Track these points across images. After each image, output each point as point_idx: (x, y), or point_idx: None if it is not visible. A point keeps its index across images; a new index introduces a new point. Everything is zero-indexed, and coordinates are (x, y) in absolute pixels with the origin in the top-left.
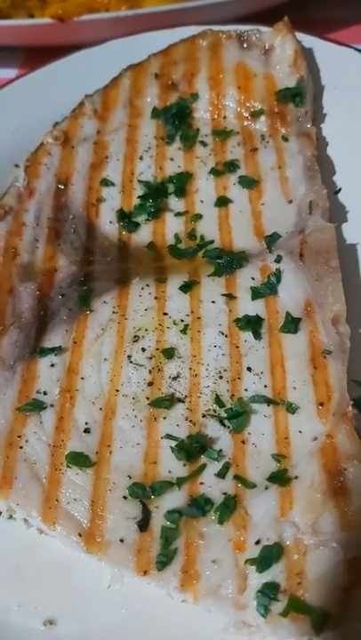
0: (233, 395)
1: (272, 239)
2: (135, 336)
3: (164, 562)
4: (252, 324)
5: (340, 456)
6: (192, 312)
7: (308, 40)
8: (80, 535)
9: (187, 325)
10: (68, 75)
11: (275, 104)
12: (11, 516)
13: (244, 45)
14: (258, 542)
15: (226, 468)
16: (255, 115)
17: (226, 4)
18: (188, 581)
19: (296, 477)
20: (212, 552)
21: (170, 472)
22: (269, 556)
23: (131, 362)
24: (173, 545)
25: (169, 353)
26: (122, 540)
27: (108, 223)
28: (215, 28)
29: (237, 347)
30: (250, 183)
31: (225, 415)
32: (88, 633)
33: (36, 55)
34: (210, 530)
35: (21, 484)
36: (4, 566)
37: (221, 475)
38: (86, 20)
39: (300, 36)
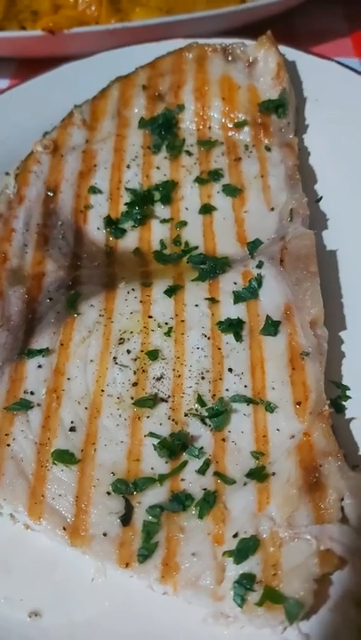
0: (214, 395)
1: (254, 245)
2: (121, 338)
3: (145, 555)
4: (234, 326)
5: (316, 453)
6: (176, 315)
7: (291, 53)
8: (65, 529)
9: (171, 328)
10: (57, 86)
11: (258, 115)
12: None
13: (229, 58)
14: (236, 535)
15: (206, 464)
16: (239, 125)
17: (212, 17)
18: (168, 573)
19: (274, 474)
20: (192, 545)
21: (152, 469)
22: (246, 548)
23: (116, 363)
24: (155, 539)
25: (153, 355)
26: (105, 534)
27: (95, 229)
28: (201, 41)
29: (219, 348)
30: (233, 191)
31: (206, 414)
32: (72, 624)
33: (27, 66)
34: (190, 524)
35: (8, 481)
36: None
37: (202, 471)
38: (76, 32)
39: (283, 49)
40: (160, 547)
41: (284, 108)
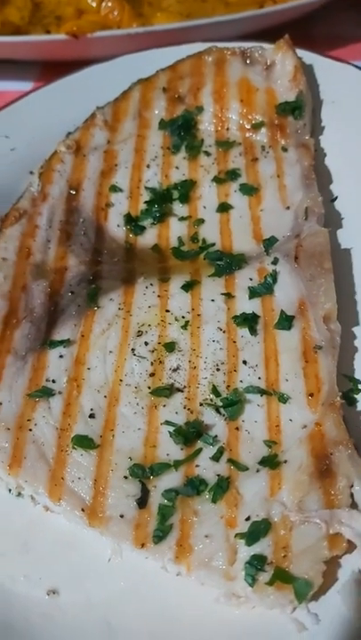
0: (229, 385)
1: (270, 243)
2: (139, 331)
3: (160, 536)
4: (249, 320)
5: (327, 442)
6: (193, 309)
7: (308, 56)
8: (83, 510)
9: (187, 322)
10: (80, 88)
11: (275, 117)
12: (19, 494)
13: (247, 61)
14: (248, 519)
15: (220, 452)
16: (256, 127)
17: (230, 22)
18: (182, 554)
19: (285, 461)
20: (205, 528)
21: (168, 455)
22: (258, 530)
23: (134, 354)
24: (169, 521)
25: (170, 347)
26: (122, 516)
27: (115, 226)
28: (220, 44)
29: (234, 342)
30: (250, 190)
31: (221, 404)
32: (89, 602)
33: (51, 69)
34: (204, 508)
35: (30, 464)
36: (11, 540)
37: (216, 458)
38: (99, 36)
39: (300, 52)
40: (174, 529)
41: (301, 110)
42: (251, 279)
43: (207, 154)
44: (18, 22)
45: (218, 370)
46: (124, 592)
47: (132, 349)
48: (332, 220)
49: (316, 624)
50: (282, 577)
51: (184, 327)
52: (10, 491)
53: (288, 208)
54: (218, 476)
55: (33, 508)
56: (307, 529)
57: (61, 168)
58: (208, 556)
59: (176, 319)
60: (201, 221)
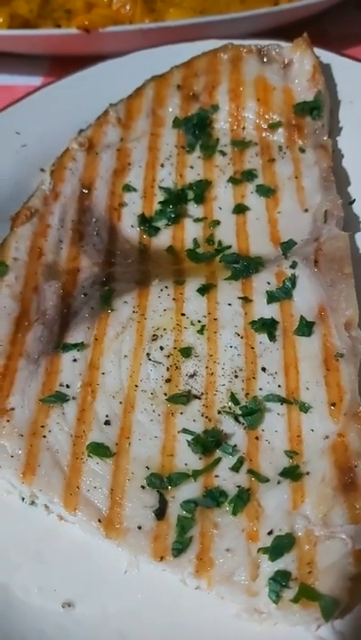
0: (248, 393)
1: (288, 246)
2: (154, 335)
3: (179, 549)
4: (267, 326)
5: (351, 454)
6: (209, 313)
7: (325, 56)
8: (100, 521)
9: (204, 326)
10: (93, 84)
11: (292, 117)
12: (33, 502)
13: (264, 60)
14: (270, 533)
15: (240, 462)
16: (273, 126)
17: (245, 19)
18: (202, 568)
19: (308, 473)
20: (226, 541)
21: (186, 464)
22: (281, 545)
23: (149, 359)
24: (189, 533)
25: (186, 352)
26: (140, 527)
27: (129, 227)
28: (236, 42)
29: (252, 348)
30: (267, 192)
31: (240, 412)
32: (105, 615)
33: (60, 64)
34: (224, 520)
35: (44, 472)
36: (25, 550)
37: (236, 469)
38: (111, 31)
39: (318, 51)
40: (194, 541)
41: (319, 110)
42: (269, 283)
43: (223, 153)
44: (27, 15)
45: (236, 377)
46: (141, 605)
47: (148, 354)
48: (350, 224)
49: None
50: (307, 594)
51: (200, 332)
52: (23, 499)
53: (306, 211)
54: (238, 487)
55: (46, 518)
56: (332, 544)
57: (73, 166)
58: (230, 571)
59: (192, 323)
60: (217, 223)
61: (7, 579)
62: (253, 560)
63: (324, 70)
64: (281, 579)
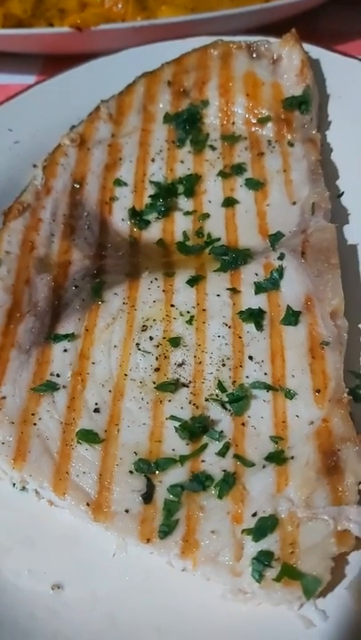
0: (235, 381)
1: (276, 238)
2: (144, 325)
3: (165, 531)
4: (255, 316)
5: (334, 438)
6: (198, 304)
7: (315, 51)
8: (88, 505)
9: (192, 317)
10: (85, 81)
11: (281, 111)
12: (23, 488)
13: (254, 55)
14: (255, 515)
15: (226, 447)
16: (262, 121)
17: (236, 15)
18: (188, 549)
19: (292, 457)
20: (212, 523)
21: (173, 450)
22: (265, 526)
23: (139, 349)
24: (175, 516)
25: (175, 342)
26: (127, 511)
27: (120, 220)
28: (226, 38)
29: (240, 337)
30: (256, 185)
31: (227, 399)
32: (94, 598)
33: (53, 63)
34: (210, 503)
35: (34, 458)
36: (15, 535)
37: (222, 453)
38: (103, 29)
39: (307, 47)
40: (180, 524)
41: (308, 105)
42: (257, 274)
43: (212, 148)
44: (20, 15)
45: (223, 365)
46: (129, 587)
47: (137, 344)
48: (338, 216)
49: (324, 621)
50: (290, 573)
51: (189, 322)
52: (14, 485)
53: (294, 203)
54: (224, 471)
55: (37, 503)
56: (314, 525)
57: (65, 162)
58: (214, 552)
59: (181, 314)
60: (206, 216)
61: None
62: (238, 541)
63: (314, 65)
64: (264, 559)
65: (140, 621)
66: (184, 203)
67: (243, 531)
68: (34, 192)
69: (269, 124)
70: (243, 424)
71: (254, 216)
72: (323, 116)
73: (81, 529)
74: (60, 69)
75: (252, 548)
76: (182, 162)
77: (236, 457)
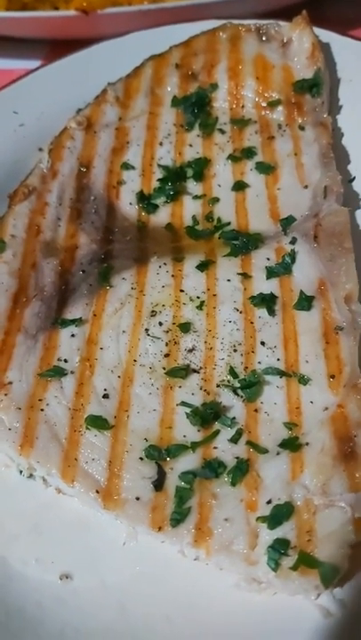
0: (247, 367)
1: (287, 222)
2: (153, 311)
3: (178, 519)
4: (267, 301)
5: (350, 424)
6: (208, 289)
7: (324, 34)
8: (98, 492)
9: (203, 302)
10: (91, 64)
11: (292, 94)
12: (31, 475)
13: (263, 38)
14: (269, 502)
15: (239, 434)
16: (273, 104)
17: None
18: (201, 538)
19: (307, 444)
20: (225, 511)
21: (185, 436)
22: (280, 514)
23: (148, 334)
24: (187, 504)
25: (185, 327)
26: (138, 498)
27: (127, 204)
28: (235, 21)
29: (252, 322)
30: (266, 169)
31: (239, 385)
32: (103, 587)
33: (58, 48)
34: (223, 491)
35: (42, 444)
36: (22, 523)
37: (234, 440)
38: (110, 12)
39: (317, 30)
40: (193, 512)
41: (319, 88)
42: (268, 259)
43: (222, 132)
44: None
45: (235, 351)
46: (140, 576)
47: (146, 329)
48: (349, 201)
49: (341, 610)
50: (307, 561)
51: (199, 307)
52: (21, 472)
53: (306, 187)
54: (237, 458)
55: (44, 491)
56: (331, 513)
57: (72, 145)
58: (228, 540)
59: (191, 299)
60: (216, 200)
61: (5, 551)
62: (252, 529)
63: (324, 49)
64: (280, 547)
65: (150, 611)
66: (193, 187)
67: (257, 518)
68: (40, 175)
69: (280, 108)
70: (255, 410)
71: (265, 200)
72: (333, 100)
73: (90, 518)
74: (64, 55)
75: (267, 536)
76: (191, 145)
77: (249, 444)
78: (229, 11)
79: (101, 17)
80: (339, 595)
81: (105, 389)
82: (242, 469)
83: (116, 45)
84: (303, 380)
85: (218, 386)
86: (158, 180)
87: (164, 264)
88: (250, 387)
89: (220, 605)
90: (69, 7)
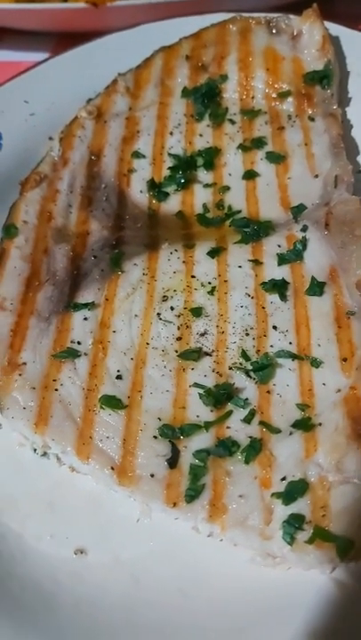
0: (259, 350)
1: (298, 210)
2: (164, 296)
3: (192, 495)
4: (278, 287)
5: None
6: (219, 275)
7: (334, 28)
8: (113, 469)
9: (214, 287)
10: (101, 55)
11: (302, 86)
12: (45, 453)
13: (273, 31)
14: (283, 479)
15: (252, 414)
16: (283, 95)
17: None
18: (215, 513)
19: (320, 424)
20: (239, 488)
21: (198, 416)
22: (295, 490)
23: (160, 319)
24: (202, 481)
25: (197, 312)
26: (152, 475)
27: (138, 192)
28: (245, 14)
29: (263, 307)
30: (277, 158)
31: (251, 368)
32: (117, 561)
33: (66, 41)
34: (236, 468)
35: (57, 422)
36: (36, 501)
37: (247, 420)
38: (120, 5)
39: (327, 24)
40: (207, 489)
41: (329, 79)
42: (279, 246)
43: (232, 122)
44: None
45: (247, 335)
46: (153, 551)
47: (158, 314)
48: (358, 191)
49: (356, 583)
50: (322, 535)
51: (210, 293)
52: (35, 451)
53: (317, 176)
54: (250, 437)
55: (58, 470)
56: (346, 489)
57: (82, 134)
58: (243, 516)
59: (202, 285)
60: (226, 188)
61: (21, 528)
62: (267, 505)
63: (333, 42)
64: (295, 521)
65: (163, 585)
66: (203, 175)
67: (272, 495)
68: (51, 163)
69: (290, 99)
70: (268, 392)
71: (276, 189)
72: (342, 92)
73: (103, 495)
74: (71, 47)
75: (282, 511)
76: (201, 135)
77: (262, 424)
78: (238, 5)
79: (111, 9)
80: (353, 568)
81: (118, 371)
82: (255, 448)
83: (126, 37)
84: (315, 363)
85: (230, 368)
86: (169, 168)
87: (175, 250)
88: (262, 369)
89: (233, 580)
90: (78, 0)
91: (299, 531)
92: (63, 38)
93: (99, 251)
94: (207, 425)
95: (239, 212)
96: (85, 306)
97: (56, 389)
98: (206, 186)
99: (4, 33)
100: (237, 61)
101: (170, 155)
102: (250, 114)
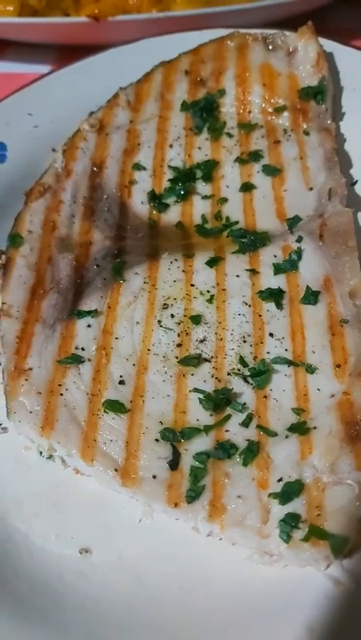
0: (256, 357)
1: (293, 221)
2: (165, 304)
3: (193, 496)
4: (275, 295)
5: (356, 409)
6: (218, 284)
7: (329, 45)
8: (116, 471)
9: (213, 296)
10: (103, 69)
11: (297, 101)
12: (50, 456)
13: (270, 47)
14: (280, 480)
15: (249, 418)
16: (279, 110)
17: (251, 10)
18: (215, 513)
19: (315, 428)
20: (238, 489)
21: (198, 420)
22: (291, 490)
23: (161, 326)
24: (202, 482)
25: (196, 319)
26: (154, 477)
27: (139, 203)
28: (242, 30)
29: (260, 315)
30: (273, 171)
31: (248, 373)
32: (121, 561)
33: (68, 54)
34: (235, 470)
35: (62, 426)
36: (42, 501)
37: (245, 424)
38: (121, 20)
39: (321, 41)
40: (207, 489)
41: (323, 95)
42: (275, 256)
43: (229, 135)
44: (36, 6)
45: (245, 342)
46: (155, 551)
47: (159, 321)
48: (351, 203)
49: (350, 580)
50: (317, 533)
51: (209, 301)
52: (41, 453)
53: (311, 189)
54: (248, 440)
55: (63, 472)
56: (340, 490)
57: (85, 146)
58: (241, 515)
59: (201, 293)
60: (224, 200)
61: (27, 528)
62: (264, 505)
63: (328, 58)
64: (291, 520)
65: (165, 582)
66: (202, 187)
67: (269, 495)
68: (54, 174)
69: (285, 114)
70: (265, 397)
71: (272, 201)
72: (336, 107)
73: (106, 497)
74: (73, 60)
75: (278, 511)
76: (200, 148)
77: (260, 427)
78: (236, 21)
79: (112, 24)
80: (348, 565)
81: (121, 376)
82: (253, 451)
83: (126, 51)
84: (310, 369)
85: (229, 374)
86: (169, 180)
87: (175, 260)
88: (259, 375)
89: (232, 578)
90: (80, 14)
91: (295, 529)
92: (65, 51)
93: (101, 260)
94: (207, 428)
95: (237, 222)
96: (89, 313)
97: (61, 394)
98: (205, 197)
99: (8, 45)
100: (235, 76)
101: (170, 167)
102: (247, 128)
